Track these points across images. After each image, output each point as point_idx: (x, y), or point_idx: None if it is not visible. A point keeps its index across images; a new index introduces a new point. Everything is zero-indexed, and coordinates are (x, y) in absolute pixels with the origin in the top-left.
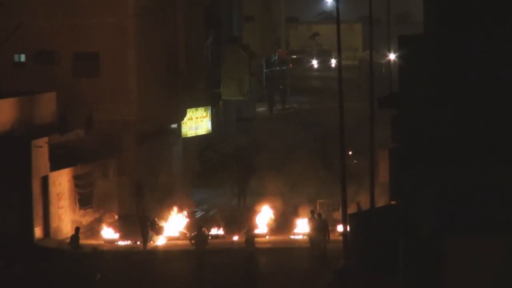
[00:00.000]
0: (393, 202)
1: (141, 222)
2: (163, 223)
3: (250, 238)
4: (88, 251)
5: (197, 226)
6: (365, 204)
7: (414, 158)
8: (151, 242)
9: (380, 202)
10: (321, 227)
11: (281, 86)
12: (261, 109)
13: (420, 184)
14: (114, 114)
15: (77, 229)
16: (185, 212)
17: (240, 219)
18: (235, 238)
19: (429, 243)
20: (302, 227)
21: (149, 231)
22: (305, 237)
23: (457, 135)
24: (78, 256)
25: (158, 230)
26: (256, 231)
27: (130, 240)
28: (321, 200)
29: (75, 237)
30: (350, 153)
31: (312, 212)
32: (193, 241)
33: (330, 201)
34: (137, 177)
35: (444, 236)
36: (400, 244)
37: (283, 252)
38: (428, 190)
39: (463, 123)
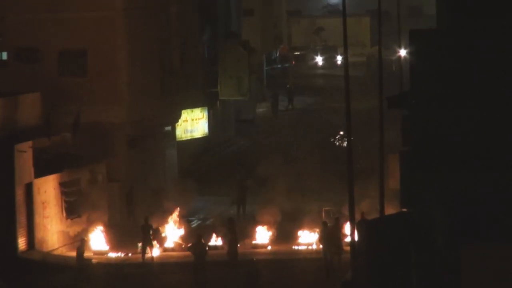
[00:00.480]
0: (404, 209)
1: (143, 231)
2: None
3: (233, 248)
4: (84, 264)
5: (196, 235)
6: (371, 212)
7: (427, 162)
8: (147, 253)
9: (390, 209)
10: (330, 236)
11: (288, 85)
12: (261, 109)
13: (433, 190)
14: (103, 115)
15: (82, 241)
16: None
17: (240, 228)
18: None
19: (444, 252)
20: (306, 237)
21: (151, 241)
22: (310, 247)
23: (475, 136)
24: (65, 269)
25: (162, 240)
26: (257, 242)
27: (122, 252)
28: (326, 208)
29: (80, 250)
30: (341, 132)
31: (324, 223)
32: (192, 250)
33: (336, 208)
34: (129, 183)
35: (460, 245)
36: (413, 254)
37: (286, 264)
38: (442, 197)
39: (481, 124)
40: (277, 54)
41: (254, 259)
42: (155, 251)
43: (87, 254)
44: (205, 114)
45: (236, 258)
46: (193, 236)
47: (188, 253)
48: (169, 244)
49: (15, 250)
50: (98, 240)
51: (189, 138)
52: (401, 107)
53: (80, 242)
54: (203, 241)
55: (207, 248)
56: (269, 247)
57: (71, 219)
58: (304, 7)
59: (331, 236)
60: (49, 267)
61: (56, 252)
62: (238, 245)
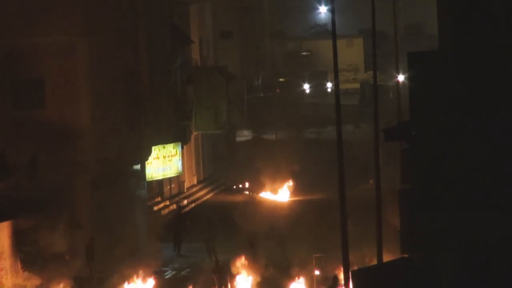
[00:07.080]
0: (405, 255)
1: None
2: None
3: None
4: None
5: None
6: (363, 263)
7: (431, 201)
8: None
9: (388, 255)
10: None
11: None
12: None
13: (438, 233)
14: (64, 154)
15: None
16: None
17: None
18: None
19: None
20: None
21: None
22: None
23: (485, 172)
24: None
25: None
26: None
27: None
28: (317, 254)
29: None
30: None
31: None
32: None
33: (327, 256)
34: (90, 233)
35: None
36: None
37: None
38: (449, 240)
39: (492, 158)
40: (260, 81)
41: None
42: None
43: None
44: (179, 150)
45: None
46: None
47: None
48: None
49: None
50: None
51: (161, 177)
52: (400, 139)
53: None
54: None
55: None
56: None
57: (29, 271)
58: (289, 28)
59: None
60: None
61: None
62: None
